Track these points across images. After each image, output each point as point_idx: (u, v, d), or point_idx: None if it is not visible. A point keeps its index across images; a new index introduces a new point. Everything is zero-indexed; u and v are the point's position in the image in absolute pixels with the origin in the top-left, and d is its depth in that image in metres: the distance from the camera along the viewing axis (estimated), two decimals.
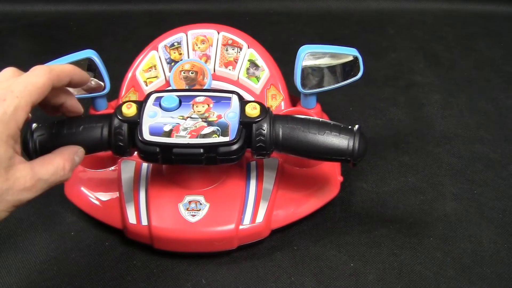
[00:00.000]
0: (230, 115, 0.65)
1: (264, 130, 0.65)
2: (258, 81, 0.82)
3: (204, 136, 0.63)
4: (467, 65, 1.08)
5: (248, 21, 0.86)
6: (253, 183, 0.74)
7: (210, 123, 0.64)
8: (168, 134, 0.64)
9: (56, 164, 0.56)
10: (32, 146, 0.63)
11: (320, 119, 0.67)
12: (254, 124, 0.65)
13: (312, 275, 0.70)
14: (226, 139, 0.63)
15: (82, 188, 0.77)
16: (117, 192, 0.75)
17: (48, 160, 0.56)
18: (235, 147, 0.64)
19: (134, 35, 1.18)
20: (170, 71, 0.82)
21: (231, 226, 0.70)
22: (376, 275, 0.70)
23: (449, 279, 0.69)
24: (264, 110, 0.65)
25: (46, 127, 0.64)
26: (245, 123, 0.65)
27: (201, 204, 0.71)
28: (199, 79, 0.80)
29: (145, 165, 0.76)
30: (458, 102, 0.98)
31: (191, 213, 0.70)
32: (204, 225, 0.69)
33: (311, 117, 0.67)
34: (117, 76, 0.84)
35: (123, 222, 0.72)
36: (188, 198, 0.71)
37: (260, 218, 0.71)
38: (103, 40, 1.19)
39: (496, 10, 1.22)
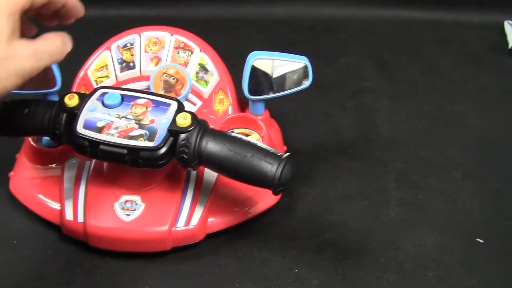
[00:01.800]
0: (163, 121, 0.65)
1: (189, 142, 0.64)
2: (207, 85, 0.82)
3: (131, 138, 0.64)
4: (415, 71, 1.10)
5: (202, 27, 0.86)
6: (191, 186, 0.74)
7: (141, 126, 0.65)
8: (100, 130, 0.65)
9: (51, 40, 0.60)
10: None
11: (251, 141, 0.66)
12: (181, 134, 0.65)
13: (257, 281, 0.70)
14: (150, 144, 0.64)
15: (27, 184, 0.77)
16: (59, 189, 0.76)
17: (43, 37, 0.60)
18: (157, 153, 0.64)
19: (89, 39, 1.17)
20: (121, 71, 0.83)
21: (165, 227, 0.70)
22: (320, 280, 0.70)
23: (393, 284, 0.70)
24: (195, 121, 0.65)
25: None
26: (173, 132, 0.65)
27: (136, 204, 0.71)
28: (177, 87, 0.80)
29: (88, 163, 0.76)
30: (405, 108, 0.99)
31: (126, 213, 0.70)
32: (137, 225, 0.70)
33: (242, 137, 0.67)
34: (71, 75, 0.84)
35: (61, 218, 0.73)
36: (124, 197, 0.71)
37: (194, 221, 0.72)
38: None
39: (444, 18, 1.23)
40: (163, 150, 0.64)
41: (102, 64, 0.83)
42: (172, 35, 0.84)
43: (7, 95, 0.61)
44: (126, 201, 0.71)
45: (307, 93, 0.90)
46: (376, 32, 1.22)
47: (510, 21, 1.19)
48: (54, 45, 0.61)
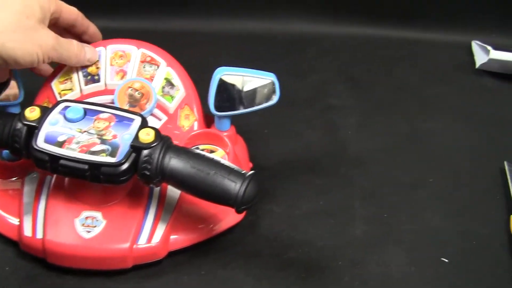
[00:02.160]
0: (126, 137, 0.64)
1: (151, 158, 0.63)
2: (172, 100, 0.81)
3: (93, 153, 0.63)
4: (384, 89, 1.09)
5: (170, 41, 0.85)
6: (154, 202, 0.73)
7: (103, 141, 0.64)
8: (60, 144, 0.63)
9: (74, 42, 0.77)
10: None
11: (215, 158, 0.65)
12: (143, 150, 0.64)
13: None
14: (112, 160, 0.63)
15: None
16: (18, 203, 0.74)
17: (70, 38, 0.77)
18: (119, 169, 0.63)
19: None
20: (86, 84, 0.81)
21: (125, 245, 0.69)
22: None
23: None
24: (158, 138, 0.64)
25: None
26: (136, 148, 0.64)
27: (97, 220, 0.69)
28: (142, 102, 0.78)
29: (49, 177, 0.74)
30: (373, 125, 0.99)
31: (86, 229, 0.69)
32: (97, 242, 0.68)
33: (206, 154, 0.66)
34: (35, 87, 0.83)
35: (19, 234, 0.71)
36: (85, 213, 0.70)
37: (156, 238, 0.70)
38: None
39: (414, 36, 1.24)
40: (125, 166, 0.63)
41: (66, 77, 0.82)
42: (138, 49, 0.83)
43: None
44: (86, 217, 0.70)
45: (276, 109, 0.90)
46: (346, 50, 1.21)
47: (477, 41, 1.20)
48: (72, 48, 0.75)
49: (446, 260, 0.75)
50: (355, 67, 1.16)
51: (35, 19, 0.69)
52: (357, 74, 1.14)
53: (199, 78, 0.84)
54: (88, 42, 0.81)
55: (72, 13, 0.78)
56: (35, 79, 0.83)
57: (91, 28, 0.82)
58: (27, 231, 0.71)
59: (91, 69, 0.82)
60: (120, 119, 0.67)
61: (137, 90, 0.79)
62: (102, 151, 0.64)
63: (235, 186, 0.63)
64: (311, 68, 1.15)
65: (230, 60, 0.82)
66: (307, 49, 1.21)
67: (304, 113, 1.01)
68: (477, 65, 1.15)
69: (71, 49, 0.76)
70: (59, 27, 0.77)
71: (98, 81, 0.82)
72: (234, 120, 0.82)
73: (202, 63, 0.87)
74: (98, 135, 0.65)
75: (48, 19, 0.72)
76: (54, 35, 0.72)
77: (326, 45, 1.23)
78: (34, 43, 0.69)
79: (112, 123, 0.67)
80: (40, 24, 0.70)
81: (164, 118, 0.80)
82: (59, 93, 0.81)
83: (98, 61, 0.82)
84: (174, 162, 0.64)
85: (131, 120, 0.67)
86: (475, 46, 1.19)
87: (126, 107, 0.78)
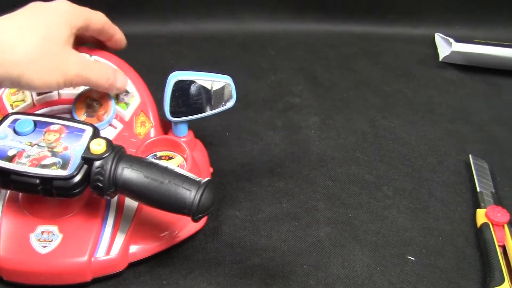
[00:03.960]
0: (77, 148, 0.63)
1: (104, 169, 0.62)
2: (127, 107, 0.79)
3: (43, 166, 0.61)
4: (346, 86, 1.09)
5: (127, 43, 0.83)
6: (112, 213, 0.70)
7: (54, 154, 0.62)
8: (10, 159, 0.62)
9: (105, 66, 0.75)
10: None
11: (169, 167, 0.64)
12: (95, 162, 0.62)
13: None
14: (64, 173, 0.61)
15: None
16: None
17: (101, 61, 0.77)
18: (71, 182, 0.61)
19: None
20: (38, 95, 0.78)
21: (83, 258, 0.66)
22: None
23: None
24: (110, 148, 0.63)
25: None
26: (87, 159, 0.62)
27: (53, 234, 0.67)
28: (100, 112, 0.76)
29: (2, 192, 0.72)
30: (335, 123, 0.98)
31: (42, 244, 0.66)
32: (54, 257, 0.66)
33: (159, 163, 0.64)
34: None
35: None
36: (41, 228, 0.68)
37: (115, 250, 0.68)
38: None
39: (374, 31, 1.24)
40: (77, 179, 0.62)
41: None
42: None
43: None
44: (42, 232, 0.68)
45: (236, 112, 0.89)
46: (306, 47, 1.21)
47: (440, 34, 1.20)
48: (103, 73, 0.72)
49: (413, 259, 0.74)
50: (315, 65, 1.15)
51: (60, 44, 0.66)
52: (318, 72, 1.13)
53: (157, 82, 0.82)
54: (112, 49, 0.80)
55: (100, 21, 0.74)
56: None
57: (117, 34, 0.78)
58: None
59: None
60: (71, 130, 0.66)
61: (95, 100, 0.77)
62: (53, 164, 0.62)
63: (190, 194, 0.61)
64: (270, 67, 1.14)
65: (189, 62, 0.81)
66: (266, 48, 1.19)
67: (264, 114, 1.00)
68: (441, 57, 1.15)
69: (102, 73, 0.72)
70: (85, 35, 0.74)
71: (50, 91, 0.79)
72: (193, 124, 0.80)
73: (159, 66, 0.86)
74: (48, 147, 0.63)
75: (74, 35, 0.69)
76: (81, 60, 0.69)
77: (284, 43, 1.22)
78: (56, 72, 0.65)
79: (63, 135, 0.65)
80: (65, 48, 0.67)
81: (120, 126, 0.78)
82: (11, 105, 0.78)
83: None
84: (127, 173, 0.62)
85: (82, 130, 0.66)
86: (438, 38, 1.20)
87: (83, 117, 0.76)
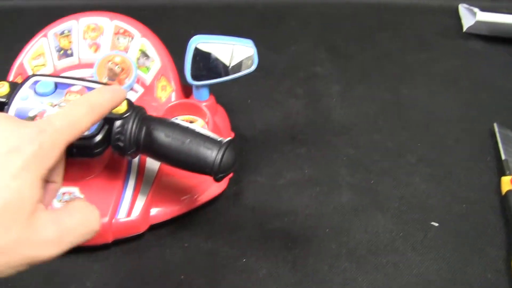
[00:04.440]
0: None
1: (125, 129, 0.61)
2: (148, 71, 0.79)
3: None
4: (366, 56, 1.07)
5: (146, 15, 0.83)
6: (133, 176, 0.70)
7: None
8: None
9: (82, 212, 0.45)
10: None
11: (190, 126, 0.63)
12: (116, 121, 0.61)
13: (203, 273, 0.67)
14: (85, 132, 0.60)
15: None
16: None
17: (72, 208, 0.45)
18: (92, 142, 0.60)
19: (27, 28, 1.13)
20: (59, 59, 0.79)
21: (104, 219, 0.67)
22: (268, 270, 0.67)
23: (344, 271, 0.68)
24: (131, 108, 0.62)
25: None
26: (108, 119, 0.61)
27: (74, 195, 0.67)
28: (121, 76, 0.76)
29: None
30: (357, 92, 0.97)
31: (63, 205, 0.66)
32: None
33: (181, 123, 0.64)
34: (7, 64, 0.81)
35: None
36: (62, 189, 0.67)
37: (136, 212, 0.68)
38: None
39: (394, 2, 1.22)
40: (97, 139, 0.61)
41: (39, 52, 0.79)
42: (111, 21, 0.81)
43: None
44: (63, 193, 0.68)
45: (257, 80, 0.88)
46: (326, 19, 1.19)
47: (465, 5, 1.18)
48: (88, 221, 0.46)
49: (436, 224, 0.73)
50: (335, 36, 1.13)
51: (23, 217, 0.40)
52: (339, 43, 1.11)
53: (176, 52, 0.82)
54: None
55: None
56: (7, 57, 0.80)
57: None
58: None
59: (64, 44, 0.80)
60: None
61: (117, 64, 0.77)
62: None
63: (211, 153, 0.61)
64: (290, 38, 1.12)
65: (208, 32, 0.79)
66: (286, 18, 1.18)
67: (286, 83, 0.99)
68: (464, 28, 1.13)
69: (82, 232, 0.45)
70: None
71: (71, 55, 0.79)
72: (214, 90, 0.79)
73: (179, 37, 0.84)
74: None
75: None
76: (55, 232, 0.42)
77: (305, 14, 1.20)
78: (19, 263, 0.41)
79: None
80: (31, 223, 0.41)
81: (141, 90, 0.78)
82: (32, 70, 0.79)
83: (70, 34, 0.80)
84: (148, 132, 0.62)
85: None
86: (462, 9, 1.18)
87: (105, 81, 0.75)
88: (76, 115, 0.46)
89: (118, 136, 0.61)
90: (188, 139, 0.61)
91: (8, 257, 0.40)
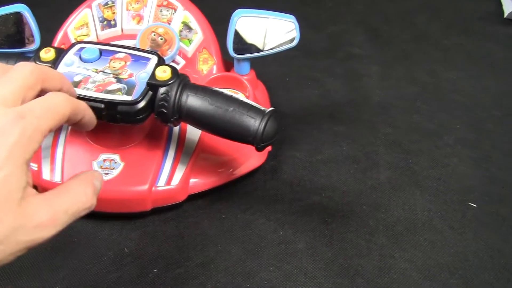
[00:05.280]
0: (142, 75, 0.62)
1: (169, 96, 0.61)
2: (190, 43, 0.79)
3: (109, 92, 0.61)
4: (405, 38, 1.07)
5: None
6: (173, 145, 0.71)
7: (119, 80, 0.62)
8: (76, 84, 0.61)
9: (74, 191, 0.45)
10: None
11: (233, 95, 0.63)
12: (160, 88, 0.61)
13: (240, 243, 0.67)
14: (128, 98, 0.60)
15: None
16: None
17: (64, 189, 0.45)
18: (135, 108, 0.61)
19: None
20: (102, 30, 0.80)
21: (144, 187, 0.67)
22: (306, 243, 0.67)
23: (381, 247, 0.67)
24: (175, 75, 0.62)
25: None
26: (152, 86, 0.61)
27: (115, 162, 0.68)
28: (164, 47, 0.77)
29: None
30: (396, 74, 0.97)
31: (104, 171, 0.67)
32: (116, 184, 0.67)
33: (224, 91, 0.63)
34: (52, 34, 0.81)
35: (37, 178, 0.69)
36: (103, 156, 0.68)
37: (176, 181, 0.69)
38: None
39: None
40: (141, 104, 0.61)
41: (82, 22, 0.80)
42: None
43: None
44: (104, 160, 0.68)
45: (296, 59, 0.88)
46: (365, 1, 1.19)
47: None
48: (80, 200, 0.45)
49: (474, 205, 0.73)
50: (375, 17, 1.13)
51: (13, 204, 0.40)
52: (377, 25, 1.11)
53: (215, 29, 0.82)
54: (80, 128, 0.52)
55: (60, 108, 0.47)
56: (50, 26, 0.81)
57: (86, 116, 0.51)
58: (46, 175, 0.69)
59: (107, 15, 0.80)
60: (136, 59, 0.65)
61: (160, 36, 0.77)
62: (118, 90, 0.62)
63: (254, 122, 0.61)
64: (329, 19, 1.12)
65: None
66: (324, 0, 1.18)
67: (324, 62, 0.99)
68: (505, 14, 1.12)
69: (78, 209, 0.45)
70: None
71: (114, 26, 0.80)
72: (255, 67, 0.79)
73: (218, 14, 0.85)
74: (114, 74, 0.63)
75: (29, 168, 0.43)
76: (48, 213, 0.42)
77: None
78: (17, 249, 0.41)
79: (128, 63, 0.65)
80: (22, 209, 0.41)
81: (182, 62, 0.78)
82: (75, 39, 0.79)
83: (114, 5, 0.80)
84: (192, 100, 0.62)
85: (147, 59, 0.65)
86: None
87: None
88: (57, 100, 0.45)
89: (162, 102, 0.62)
90: (232, 107, 0.61)
91: (5, 246, 0.40)
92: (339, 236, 0.68)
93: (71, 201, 0.45)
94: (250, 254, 0.66)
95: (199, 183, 0.71)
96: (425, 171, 0.78)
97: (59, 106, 0.45)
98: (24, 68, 0.46)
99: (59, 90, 0.48)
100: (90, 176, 0.48)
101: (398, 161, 0.79)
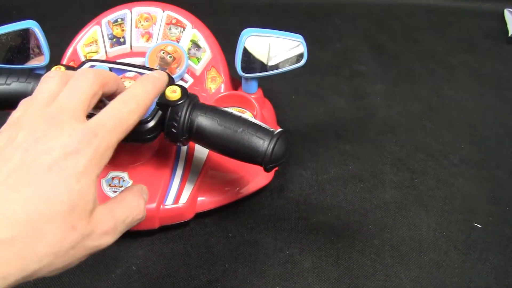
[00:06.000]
0: None
1: (178, 116, 0.62)
2: (199, 62, 0.80)
3: None
4: (411, 56, 1.08)
5: (193, 9, 0.84)
6: (181, 163, 0.71)
7: None
8: None
9: (130, 203, 0.51)
10: None
11: (242, 116, 0.63)
12: (170, 108, 0.62)
13: (247, 262, 0.68)
14: None
15: None
16: None
17: (122, 200, 0.50)
18: (145, 127, 0.61)
19: (79, 16, 1.15)
20: (111, 47, 0.81)
21: (152, 205, 0.68)
22: (312, 262, 0.68)
23: (387, 267, 0.68)
24: (185, 95, 0.62)
25: None
26: (162, 105, 0.62)
27: (124, 180, 0.68)
28: (172, 66, 0.77)
29: None
30: (401, 92, 0.97)
31: (113, 189, 0.68)
32: None
33: (234, 112, 0.64)
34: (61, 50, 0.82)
35: None
36: (112, 174, 0.69)
37: (183, 199, 0.69)
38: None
39: (440, 4, 1.22)
40: (151, 124, 0.62)
41: (91, 39, 0.81)
42: (164, 11, 0.82)
43: None
44: (113, 178, 0.69)
45: (302, 76, 0.89)
46: (371, 18, 1.20)
47: (510, 9, 1.17)
48: (135, 211, 0.50)
49: (479, 226, 0.73)
50: (380, 35, 1.14)
51: (86, 213, 0.44)
52: (383, 42, 1.12)
53: (223, 46, 0.83)
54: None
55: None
56: (60, 43, 0.82)
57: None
58: None
59: (117, 32, 0.81)
60: None
61: (169, 54, 0.78)
62: None
63: (263, 143, 0.61)
64: (336, 36, 1.13)
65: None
66: (331, 16, 1.19)
67: (330, 80, 0.99)
68: (510, 33, 1.13)
69: (133, 219, 0.51)
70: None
71: (123, 43, 0.81)
72: (262, 85, 0.80)
73: (225, 31, 0.86)
74: None
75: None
76: (111, 223, 0.47)
77: (349, 12, 1.21)
78: (83, 255, 0.45)
79: None
80: (92, 218, 0.45)
81: (191, 80, 0.79)
82: (85, 56, 0.80)
83: (123, 23, 0.81)
84: (201, 120, 0.62)
85: None
86: (508, 14, 1.17)
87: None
88: (125, 112, 0.49)
89: (171, 122, 0.62)
90: (241, 128, 0.62)
91: (76, 251, 0.44)
92: (345, 256, 0.69)
93: (127, 212, 0.49)
94: (256, 273, 0.67)
95: (206, 201, 0.72)
96: (431, 190, 0.78)
97: (128, 119, 0.49)
98: (86, 76, 0.49)
99: (115, 92, 0.53)
100: (141, 190, 0.53)
101: (403, 180, 0.79)
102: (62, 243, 0.42)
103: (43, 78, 0.51)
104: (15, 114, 0.49)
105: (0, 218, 0.40)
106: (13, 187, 0.42)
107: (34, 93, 0.50)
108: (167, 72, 0.65)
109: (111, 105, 0.49)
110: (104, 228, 0.46)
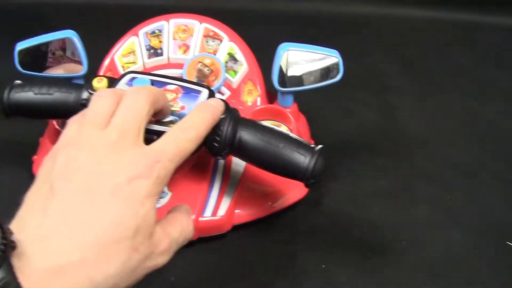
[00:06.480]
0: None
1: (220, 130, 0.62)
2: (236, 75, 0.81)
3: (162, 124, 0.61)
4: (440, 72, 1.08)
5: (224, 19, 0.85)
6: (219, 176, 0.73)
7: (171, 112, 0.63)
8: None
9: (181, 222, 0.53)
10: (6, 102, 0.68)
11: (284, 131, 0.65)
12: None
13: (283, 275, 0.69)
14: None
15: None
16: None
17: (173, 220, 0.53)
18: None
19: (116, 26, 1.16)
20: (149, 58, 0.82)
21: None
22: (349, 277, 0.69)
23: (422, 285, 0.68)
24: (227, 110, 0.63)
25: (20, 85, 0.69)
26: None
27: (163, 192, 0.69)
28: (210, 78, 0.78)
29: None
30: (431, 107, 0.98)
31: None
32: (163, 213, 0.67)
33: (274, 127, 0.65)
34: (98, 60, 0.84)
35: None
36: None
37: (221, 211, 0.71)
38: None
39: (470, 19, 1.22)
40: None
41: (129, 50, 0.82)
42: (201, 23, 0.83)
43: None
44: None
45: (331, 89, 0.89)
46: (400, 31, 1.20)
47: None
48: (186, 230, 0.53)
49: None
50: (410, 50, 1.15)
51: (147, 234, 0.47)
52: (413, 57, 1.13)
53: (257, 57, 0.84)
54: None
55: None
56: (98, 52, 0.83)
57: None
58: None
59: (154, 43, 0.82)
60: (187, 91, 0.66)
61: (206, 66, 0.79)
62: (171, 121, 0.63)
63: (304, 159, 0.62)
64: (365, 50, 1.14)
65: (285, 40, 0.81)
66: (362, 30, 1.20)
67: (360, 94, 1.00)
68: None
69: (184, 239, 0.54)
70: None
71: (161, 55, 0.82)
72: (297, 97, 0.81)
73: (256, 42, 0.87)
74: None
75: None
76: (166, 243, 0.50)
77: (377, 26, 1.22)
78: (141, 274, 0.47)
79: (179, 95, 0.66)
80: (153, 239, 0.47)
81: (228, 93, 0.80)
82: (122, 66, 0.81)
83: (161, 34, 0.82)
84: (243, 134, 0.63)
85: (198, 92, 0.66)
86: None
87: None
88: (185, 140, 0.52)
89: (214, 136, 0.63)
90: (282, 144, 0.63)
91: (137, 272, 0.46)
92: (379, 272, 0.70)
93: (179, 232, 0.52)
94: (294, 286, 0.67)
95: (243, 213, 0.73)
96: (463, 208, 0.79)
97: (186, 147, 0.52)
98: (139, 96, 0.51)
99: (162, 108, 0.56)
100: (188, 210, 0.56)
101: (435, 197, 0.80)
102: (126, 265, 0.44)
103: (94, 97, 0.52)
104: (68, 133, 0.50)
105: (70, 240, 0.42)
106: (79, 209, 0.44)
107: (86, 112, 0.51)
108: (222, 100, 0.66)
109: (172, 133, 0.51)
110: (162, 248, 0.48)
